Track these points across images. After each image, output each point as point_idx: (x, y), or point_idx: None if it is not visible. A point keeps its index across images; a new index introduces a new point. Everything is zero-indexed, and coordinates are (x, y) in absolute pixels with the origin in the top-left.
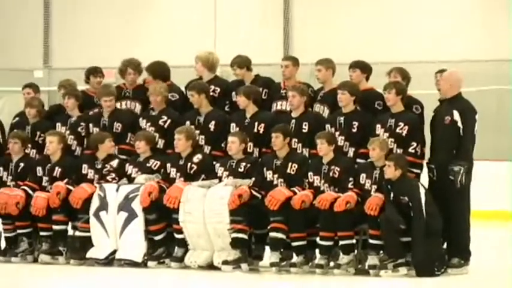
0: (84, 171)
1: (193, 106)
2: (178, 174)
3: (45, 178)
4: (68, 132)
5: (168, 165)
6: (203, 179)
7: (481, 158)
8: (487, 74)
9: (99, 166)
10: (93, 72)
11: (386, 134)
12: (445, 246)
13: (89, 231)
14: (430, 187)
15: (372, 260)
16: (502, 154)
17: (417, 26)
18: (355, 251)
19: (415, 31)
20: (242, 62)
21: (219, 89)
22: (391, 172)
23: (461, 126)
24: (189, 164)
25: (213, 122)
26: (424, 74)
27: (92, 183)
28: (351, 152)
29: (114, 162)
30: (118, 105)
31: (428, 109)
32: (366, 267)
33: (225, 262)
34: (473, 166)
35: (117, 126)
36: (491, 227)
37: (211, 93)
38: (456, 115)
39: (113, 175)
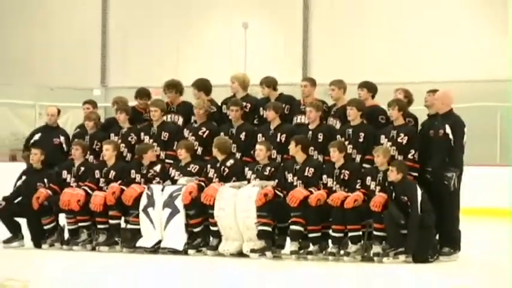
0: (132, 176)
1: (227, 118)
2: (215, 175)
3: (102, 180)
4: (119, 141)
5: (208, 166)
6: (234, 181)
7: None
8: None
9: (145, 171)
10: (141, 94)
11: (389, 143)
12: (437, 237)
13: (138, 225)
14: (426, 187)
15: (376, 248)
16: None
17: (412, 54)
18: (362, 241)
19: (410, 58)
20: (269, 82)
21: (249, 105)
22: (394, 175)
23: (452, 138)
24: (223, 167)
25: (243, 133)
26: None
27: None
28: (358, 158)
29: (157, 168)
30: (165, 118)
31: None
32: (371, 254)
33: (253, 250)
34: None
35: (165, 135)
36: (483, 221)
37: (243, 109)
38: (448, 129)
39: (157, 179)
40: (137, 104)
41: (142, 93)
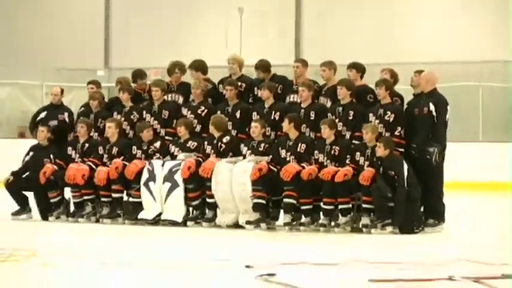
0: (134, 152)
1: (223, 97)
2: (212, 151)
3: (105, 156)
4: (122, 119)
5: (206, 143)
6: (231, 156)
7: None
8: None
9: (145, 147)
10: (140, 75)
11: (377, 121)
12: (422, 209)
13: (140, 198)
14: (411, 163)
15: (365, 220)
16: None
17: (398, 37)
18: (351, 213)
19: (397, 40)
20: (264, 66)
21: (244, 85)
22: (382, 151)
23: (435, 116)
24: (219, 143)
25: (239, 112)
26: (406, 73)
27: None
28: (347, 135)
29: (157, 144)
30: (166, 97)
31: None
32: (360, 226)
33: (248, 222)
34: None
35: (165, 113)
36: (466, 194)
37: (238, 88)
38: (432, 107)
39: (157, 155)
40: (135, 85)
41: (139, 75)
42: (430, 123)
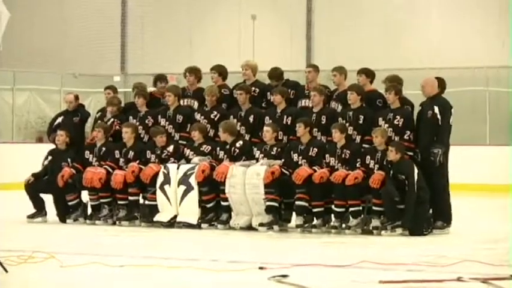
0: (148, 156)
1: (237, 102)
2: (225, 156)
3: (121, 159)
4: (137, 123)
5: (218, 148)
6: (244, 160)
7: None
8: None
9: (159, 152)
10: (160, 79)
11: (387, 125)
12: (431, 212)
13: (155, 201)
14: (416, 164)
15: (375, 222)
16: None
17: (407, 43)
18: (362, 216)
19: (408, 46)
20: (277, 75)
21: (258, 90)
22: (393, 155)
23: (439, 118)
24: (233, 148)
25: (251, 116)
26: (415, 78)
27: None
28: (358, 139)
29: (170, 148)
30: (181, 102)
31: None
32: (370, 228)
33: (261, 224)
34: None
35: (179, 118)
36: (474, 196)
37: (252, 93)
38: (436, 110)
39: (172, 159)
40: (155, 89)
41: (160, 79)
42: (435, 126)
